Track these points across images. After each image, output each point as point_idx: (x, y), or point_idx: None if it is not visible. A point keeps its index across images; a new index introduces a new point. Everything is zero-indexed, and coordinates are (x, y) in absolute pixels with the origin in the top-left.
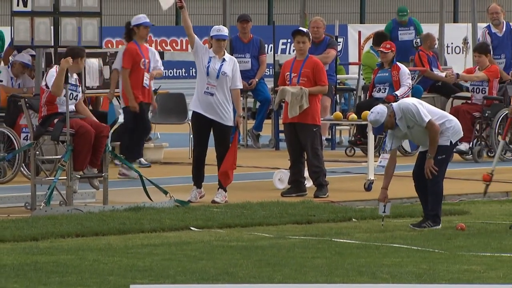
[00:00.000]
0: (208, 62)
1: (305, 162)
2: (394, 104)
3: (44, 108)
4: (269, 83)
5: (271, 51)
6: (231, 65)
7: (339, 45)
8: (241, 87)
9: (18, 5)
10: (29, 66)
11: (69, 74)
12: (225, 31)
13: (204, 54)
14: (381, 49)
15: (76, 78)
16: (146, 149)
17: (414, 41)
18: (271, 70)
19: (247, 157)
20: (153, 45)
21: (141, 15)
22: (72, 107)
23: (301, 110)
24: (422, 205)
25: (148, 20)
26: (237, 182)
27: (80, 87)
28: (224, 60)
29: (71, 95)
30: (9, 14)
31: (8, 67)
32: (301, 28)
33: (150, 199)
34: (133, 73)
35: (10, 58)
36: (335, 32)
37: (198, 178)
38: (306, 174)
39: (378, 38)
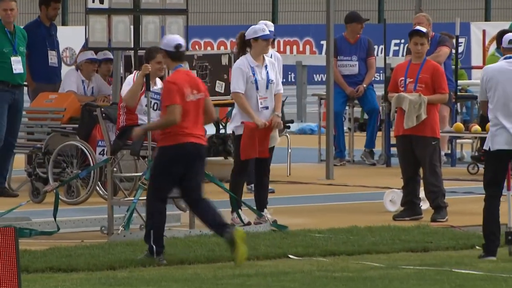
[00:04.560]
0: (254, 74)
1: (421, 180)
2: None
3: (123, 118)
4: (379, 90)
5: (381, 53)
6: (274, 69)
7: (460, 46)
8: (282, 91)
9: (93, 1)
10: (96, 60)
11: (150, 81)
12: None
13: (248, 71)
14: None
15: (161, 87)
16: (227, 165)
17: None
18: (381, 75)
19: (353, 175)
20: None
21: None
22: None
23: (418, 121)
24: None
25: None
26: (343, 203)
27: None
28: (266, 66)
29: (155, 105)
30: (83, 12)
31: (77, 70)
32: (419, 27)
33: (243, 222)
34: None
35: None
36: (455, 31)
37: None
38: (422, 194)
39: (502, 38)
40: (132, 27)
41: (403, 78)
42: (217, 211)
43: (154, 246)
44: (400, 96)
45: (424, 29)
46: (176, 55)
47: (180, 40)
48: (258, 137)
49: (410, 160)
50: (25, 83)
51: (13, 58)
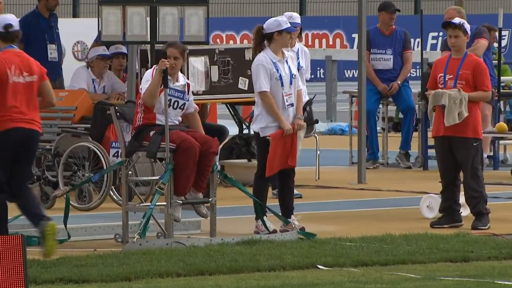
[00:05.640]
0: (277, 70)
1: (461, 185)
2: None
3: (140, 116)
4: (415, 87)
5: (417, 47)
6: (295, 63)
7: (504, 39)
8: (301, 87)
9: None
10: (108, 56)
11: (169, 78)
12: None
13: (271, 67)
14: None
15: (184, 84)
16: (250, 168)
17: None
18: (417, 70)
19: (387, 178)
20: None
21: None
22: (177, 119)
23: (460, 119)
24: None
25: None
26: (376, 209)
27: (190, 95)
28: (287, 60)
29: (175, 103)
30: (95, 3)
31: (87, 68)
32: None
33: (268, 230)
34: None
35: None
36: (498, 23)
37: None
38: (462, 200)
39: None
40: (148, 19)
41: (442, 74)
42: (37, 200)
43: None
44: (438, 93)
45: (456, 20)
46: (6, 36)
47: (11, 20)
48: (284, 147)
49: (450, 162)
50: None
51: None
